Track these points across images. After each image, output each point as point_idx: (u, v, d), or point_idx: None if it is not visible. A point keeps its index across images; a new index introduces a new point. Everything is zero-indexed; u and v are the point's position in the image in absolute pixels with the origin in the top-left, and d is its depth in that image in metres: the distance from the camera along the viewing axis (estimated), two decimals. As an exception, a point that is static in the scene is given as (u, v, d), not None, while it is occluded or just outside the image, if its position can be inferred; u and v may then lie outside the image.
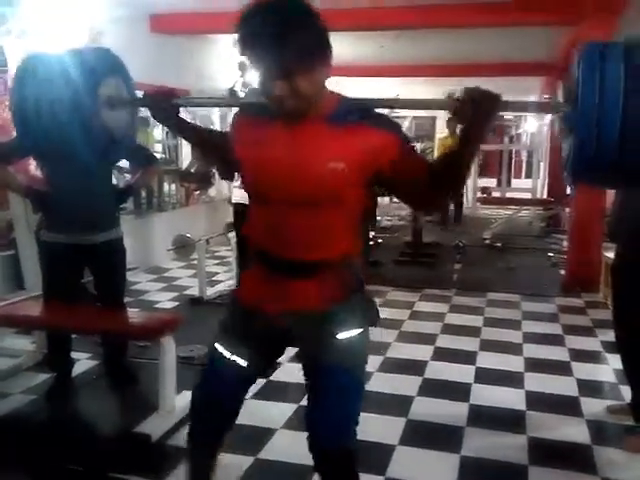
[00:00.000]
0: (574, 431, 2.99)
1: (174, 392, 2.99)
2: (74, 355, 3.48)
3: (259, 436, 2.84)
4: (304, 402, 1.74)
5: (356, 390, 1.65)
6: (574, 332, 4.52)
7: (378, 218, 8.38)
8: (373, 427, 2.89)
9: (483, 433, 2.96)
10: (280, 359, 1.93)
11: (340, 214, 1.54)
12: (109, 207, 3.27)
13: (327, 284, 1.57)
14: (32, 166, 3.91)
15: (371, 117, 1.51)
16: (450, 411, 3.18)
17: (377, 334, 4.51)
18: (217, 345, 1.71)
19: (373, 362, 3.80)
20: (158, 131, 7.64)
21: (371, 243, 6.87)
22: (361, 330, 1.63)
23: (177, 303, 5.20)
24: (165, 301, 5.27)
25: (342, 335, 1.59)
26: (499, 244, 7.68)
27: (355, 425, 1.65)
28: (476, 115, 1.41)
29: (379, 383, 3.49)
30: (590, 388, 3.51)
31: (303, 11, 1.38)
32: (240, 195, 5.19)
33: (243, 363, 1.68)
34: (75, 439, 2.89)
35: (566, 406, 3.27)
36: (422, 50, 8.34)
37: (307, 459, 1.69)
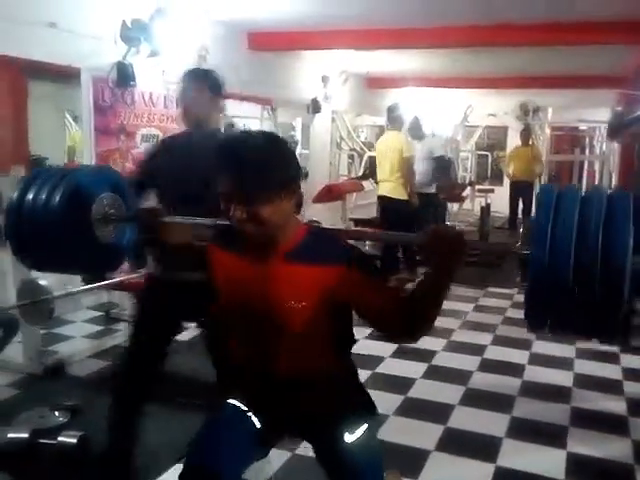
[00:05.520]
0: (613, 405, 3.46)
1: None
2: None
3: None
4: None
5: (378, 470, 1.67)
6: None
7: (448, 224, 8.79)
8: (437, 392, 3.52)
9: (531, 401, 3.47)
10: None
11: (312, 340, 1.56)
12: None
13: (313, 400, 1.60)
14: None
15: (331, 252, 1.54)
16: (504, 384, 3.70)
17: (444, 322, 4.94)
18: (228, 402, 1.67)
19: (439, 343, 4.37)
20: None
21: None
22: (365, 425, 1.64)
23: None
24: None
25: (349, 438, 1.59)
26: (564, 250, 7.96)
27: None
28: (441, 254, 1.45)
29: (444, 360, 4.08)
30: (635, 374, 3.93)
31: (272, 144, 1.48)
32: (385, 189, 6.01)
33: (257, 424, 1.63)
34: (185, 381, 3.58)
35: (609, 386, 3.73)
36: (495, 63, 8.67)
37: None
